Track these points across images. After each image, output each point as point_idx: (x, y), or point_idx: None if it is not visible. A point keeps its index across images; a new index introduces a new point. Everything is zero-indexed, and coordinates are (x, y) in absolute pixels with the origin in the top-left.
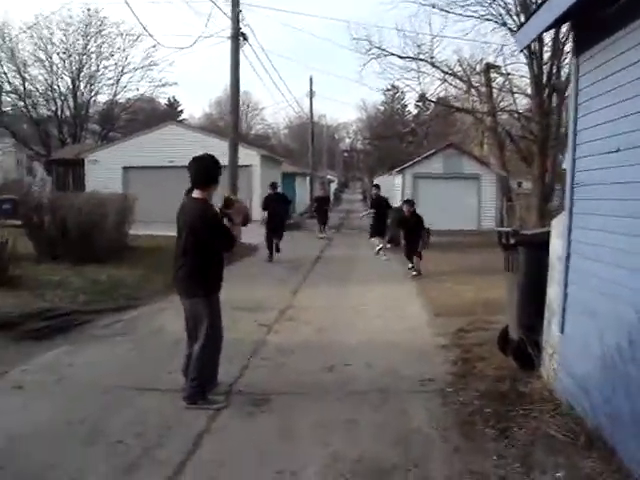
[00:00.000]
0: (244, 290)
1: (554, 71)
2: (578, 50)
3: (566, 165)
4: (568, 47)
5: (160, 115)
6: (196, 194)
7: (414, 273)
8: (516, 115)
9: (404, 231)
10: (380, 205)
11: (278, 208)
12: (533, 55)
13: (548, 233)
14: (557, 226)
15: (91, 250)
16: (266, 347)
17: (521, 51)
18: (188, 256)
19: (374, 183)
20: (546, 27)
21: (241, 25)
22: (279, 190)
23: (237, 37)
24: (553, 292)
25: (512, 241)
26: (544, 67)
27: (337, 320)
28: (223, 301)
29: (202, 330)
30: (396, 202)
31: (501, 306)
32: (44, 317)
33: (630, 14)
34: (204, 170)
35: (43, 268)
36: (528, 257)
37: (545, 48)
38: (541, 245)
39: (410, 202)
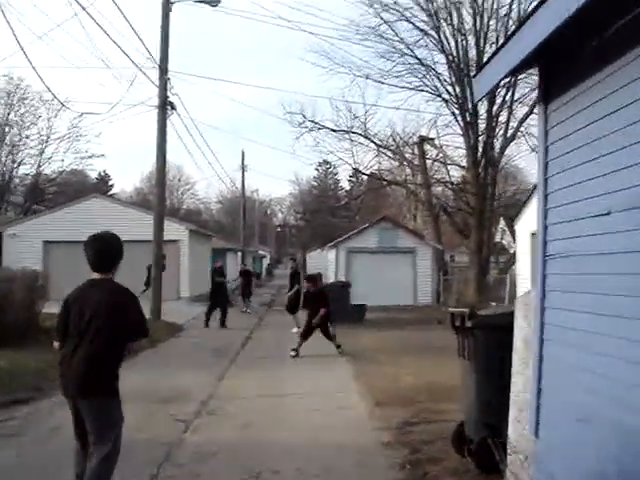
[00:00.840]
0: (163, 377)
1: (490, 142)
2: (546, 97)
3: (536, 232)
4: (502, 118)
5: (90, 189)
6: (101, 277)
7: (292, 354)
8: (451, 187)
9: (306, 308)
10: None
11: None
12: (469, 125)
13: (511, 314)
14: (522, 306)
15: None
16: (182, 450)
17: (456, 120)
18: (96, 346)
19: (291, 257)
20: (510, 70)
21: (169, 94)
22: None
23: (164, 106)
24: (520, 384)
25: (469, 324)
26: (480, 138)
27: (266, 413)
28: (138, 391)
29: (107, 437)
30: (330, 277)
31: (446, 392)
32: None
33: (620, 46)
34: (109, 251)
35: None
36: (487, 342)
37: (479, 120)
38: (503, 327)
39: (312, 278)
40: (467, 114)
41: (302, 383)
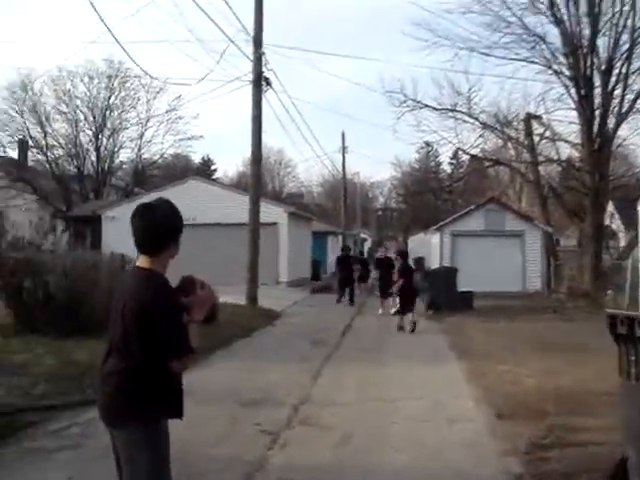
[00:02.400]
0: (253, 372)
1: (606, 116)
2: None
3: None
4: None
5: (193, 173)
6: (141, 262)
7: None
8: (563, 165)
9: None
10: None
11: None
12: (583, 98)
13: None
14: None
15: (77, 320)
16: (263, 474)
17: (568, 93)
18: (120, 357)
19: (381, 243)
20: None
21: (264, 69)
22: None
23: (259, 81)
24: None
25: None
26: (595, 113)
27: (367, 425)
28: (223, 390)
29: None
30: (434, 262)
31: (579, 402)
32: None
33: None
34: (154, 226)
35: (16, 343)
36: None
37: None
38: None
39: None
40: (582, 86)
41: (407, 384)
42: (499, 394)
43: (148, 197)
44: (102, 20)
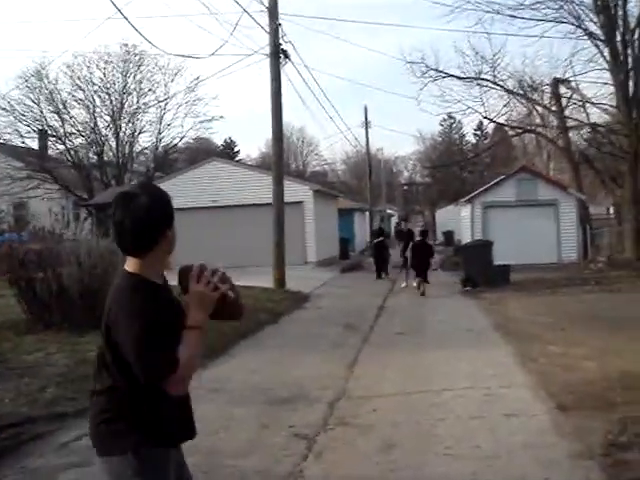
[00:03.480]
0: (282, 364)
1: None
2: None
3: None
4: None
5: (216, 156)
6: (128, 263)
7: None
8: (599, 130)
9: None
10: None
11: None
12: (617, 59)
13: None
14: None
15: (94, 314)
16: None
17: (601, 54)
18: (105, 377)
19: (401, 217)
20: None
21: (281, 41)
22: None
23: (277, 54)
24: None
25: None
26: (630, 73)
27: (412, 422)
28: (250, 387)
29: None
30: (465, 236)
31: None
32: None
33: None
34: (134, 222)
35: (28, 340)
36: None
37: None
38: None
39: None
40: (617, 45)
41: (452, 372)
42: (557, 381)
43: (170, 181)
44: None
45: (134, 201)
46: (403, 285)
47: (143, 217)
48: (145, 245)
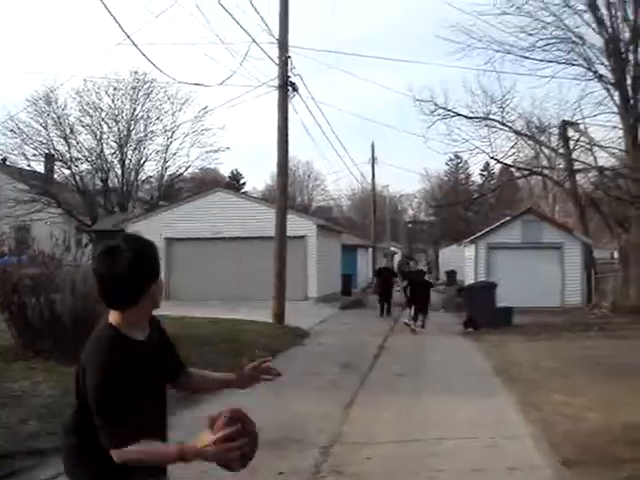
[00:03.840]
0: (277, 404)
1: None
2: None
3: None
4: None
5: (223, 187)
6: (111, 316)
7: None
8: (607, 174)
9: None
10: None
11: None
12: (627, 103)
13: None
14: None
15: (85, 343)
16: None
17: (611, 97)
18: (78, 420)
19: (405, 256)
20: None
21: (290, 74)
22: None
23: (285, 86)
24: None
25: None
26: None
27: (410, 476)
28: None
29: None
30: (469, 276)
31: None
32: None
33: None
34: (118, 277)
35: (16, 367)
36: None
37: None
38: None
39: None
40: (627, 88)
41: (453, 418)
42: (561, 433)
43: (173, 210)
44: (119, 24)
45: (117, 256)
46: (406, 322)
47: (126, 273)
48: (127, 300)
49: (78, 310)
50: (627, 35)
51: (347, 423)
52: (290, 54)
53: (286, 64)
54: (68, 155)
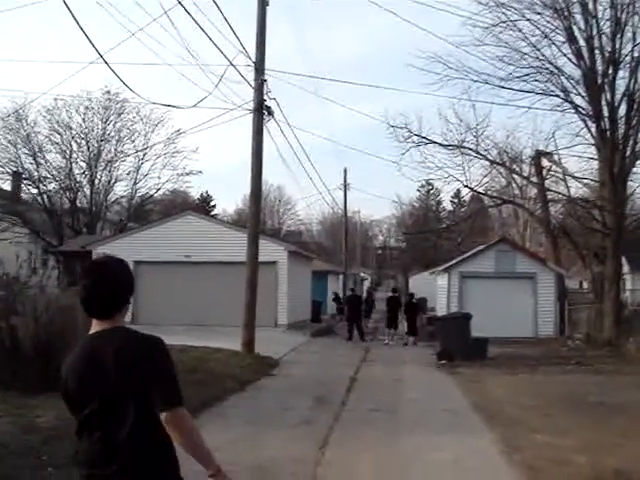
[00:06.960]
0: (246, 443)
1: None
2: None
3: None
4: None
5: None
6: (114, 321)
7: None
8: (583, 205)
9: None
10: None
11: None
12: (604, 133)
13: None
14: None
15: (47, 374)
16: None
17: (587, 128)
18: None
19: (392, 287)
20: None
21: (266, 97)
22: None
23: (261, 109)
24: None
25: None
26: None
27: None
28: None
29: None
30: (441, 305)
31: None
32: None
33: None
34: (108, 286)
35: None
36: None
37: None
38: None
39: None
40: (604, 120)
41: (432, 462)
42: (546, 479)
43: (142, 233)
44: (91, 42)
45: (105, 269)
46: (386, 342)
47: (114, 283)
48: (114, 307)
49: (41, 339)
50: (604, 67)
51: (322, 465)
52: (267, 77)
53: (262, 88)
54: (36, 174)
